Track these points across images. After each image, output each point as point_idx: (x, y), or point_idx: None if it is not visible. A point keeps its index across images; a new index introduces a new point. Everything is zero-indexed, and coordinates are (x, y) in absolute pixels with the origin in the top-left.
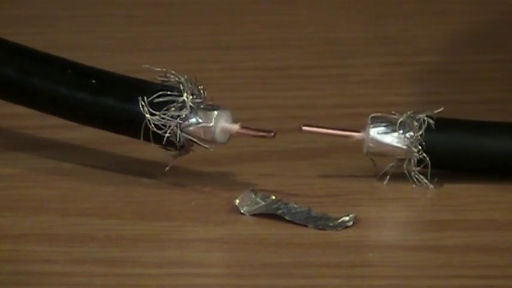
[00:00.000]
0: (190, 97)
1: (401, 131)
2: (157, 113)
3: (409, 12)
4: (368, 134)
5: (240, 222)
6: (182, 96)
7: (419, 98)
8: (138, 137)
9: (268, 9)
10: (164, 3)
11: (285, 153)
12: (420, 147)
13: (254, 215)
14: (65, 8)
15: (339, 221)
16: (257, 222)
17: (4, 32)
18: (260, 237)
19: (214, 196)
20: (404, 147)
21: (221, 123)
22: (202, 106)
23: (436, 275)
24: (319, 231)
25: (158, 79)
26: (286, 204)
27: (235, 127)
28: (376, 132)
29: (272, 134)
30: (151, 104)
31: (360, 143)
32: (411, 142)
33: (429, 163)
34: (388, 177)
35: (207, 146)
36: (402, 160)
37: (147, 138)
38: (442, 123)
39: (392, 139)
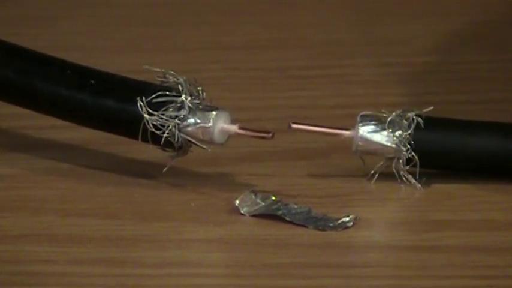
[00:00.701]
0: (189, 98)
1: (390, 130)
2: (155, 113)
3: (408, 13)
4: (357, 132)
5: (240, 222)
6: (181, 96)
7: (418, 98)
8: (136, 138)
9: (268, 10)
10: (164, 3)
11: (285, 154)
12: (409, 146)
13: (254, 215)
14: (65, 9)
15: (339, 221)
16: (257, 223)
17: (4, 32)
18: (260, 237)
19: (214, 197)
20: (393, 146)
21: (220, 123)
22: (200, 107)
23: (436, 275)
24: (319, 232)
25: (157, 80)
26: (286, 204)
27: (234, 128)
28: (365, 131)
29: (270, 135)
30: (150, 105)
31: (350, 141)
32: (400, 141)
33: (418, 162)
34: (377, 176)
35: (205, 146)
36: (392, 159)
37: (145, 139)
38: (431, 122)
39: (381, 138)
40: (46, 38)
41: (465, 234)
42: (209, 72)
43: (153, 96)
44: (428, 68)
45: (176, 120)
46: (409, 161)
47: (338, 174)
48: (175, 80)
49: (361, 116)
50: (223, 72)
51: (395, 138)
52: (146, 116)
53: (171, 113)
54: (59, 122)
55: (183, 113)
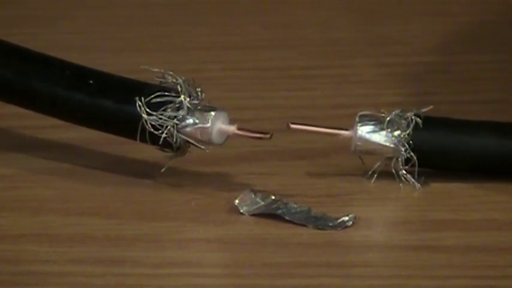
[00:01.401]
0: (188, 98)
1: (389, 130)
2: (154, 113)
3: (408, 13)
4: (356, 132)
5: (240, 222)
6: (179, 97)
7: (418, 98)
8: (135, 138)
9: (268, 9)
10: (163, 3)
11: (285, 153)
12: (407, 146)
13: (254, 215)
14: (65, 9)
15: (339, 221)
16: (257, 222)
17: (4, 32)
18: (260, 237)
19: (213, 196)
20: (392, 145)
21: (218, 124)
22: (199, 107)
23: (436, 275)
24: (319, 231)
25: (156, 80)
26: (285, 204)
27: (232, 128)
28: (364, 131)
29: (268, 135)
30: (149, 105)
31: (349, 141)
32: (399, 141)
33: (416, 162)
34: (375, 175)
35: (203, 147)
36: (390, 159)
37: (143, 139)
38: (429, 122)
39: (380, 138)
40: (46, 37)
41: (465, 234)
42: (208, 72)
43: (152, 96)
44: (428, 68)
45: (175, 120)
46: (407, 160)
47: (337, 174)
48: (174, 80)
49: (360, 116)
50: (222, 72)
51: (394, 138)
52: (145, 116)
53: (170, 113)
54: (59, 122)
55: (181, 113)
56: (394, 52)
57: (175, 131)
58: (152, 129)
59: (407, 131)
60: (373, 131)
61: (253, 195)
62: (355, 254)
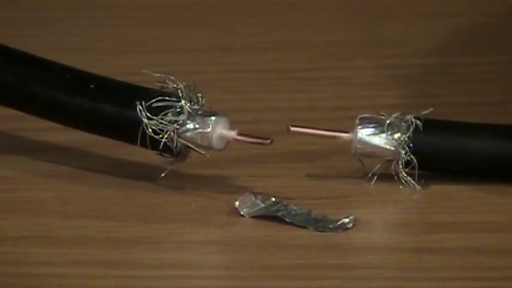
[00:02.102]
0: (188, 103)
1: (389, 133)
2: (154, 117)
3: (408, 15)
4: (356, 135)
5: (240, 224)
6: (180, 101)
7: (418, 100)
8: (135, 143)
9: (268, 11)
10: (164, 5)
11: (285, 156)
12: (408, 149)
13: (254, 217)
14: (65, 10)
15: (339, 223)
16: (257, 224)
17: (4, 34)
18: (260, 239)
19: (214, 198)
20: (392, 148)
21: (218, 129)
22: (200, 112)
23: (436, 277)
24: (319, 233)
25: (157, 85)
26: (286, 206)
27: (232, 134)
28: (364, 134)
29: (269, 141)
30: (149, 109)
31: (349, 143)
32: (399, 143)
33: (416, 164)
34: (376, 178)
35: (203, 152)
36: (391, 161)
37: (144, 144)
38: (429, 125)
39: (380, 140)
40: (46, 39)
41: (465, 236)
42: (208, 73)
43: (153, 101)
44: (428, 70)
45: (175, 125)
46: (407, 163)
47: (337, 176)
48: (175, 85)
49: (360, 118)
50: (222, 74)
51: (394, 140)
52: (145, 120)
53: (170, 117)
54: (59, 124)
55: (182, 118)
56: (394, 54)
57: (175, 136)
58: (153, 134)
59: (408, 134)
60: (373, 134)
61: (253, 197)
62: (355, 256)
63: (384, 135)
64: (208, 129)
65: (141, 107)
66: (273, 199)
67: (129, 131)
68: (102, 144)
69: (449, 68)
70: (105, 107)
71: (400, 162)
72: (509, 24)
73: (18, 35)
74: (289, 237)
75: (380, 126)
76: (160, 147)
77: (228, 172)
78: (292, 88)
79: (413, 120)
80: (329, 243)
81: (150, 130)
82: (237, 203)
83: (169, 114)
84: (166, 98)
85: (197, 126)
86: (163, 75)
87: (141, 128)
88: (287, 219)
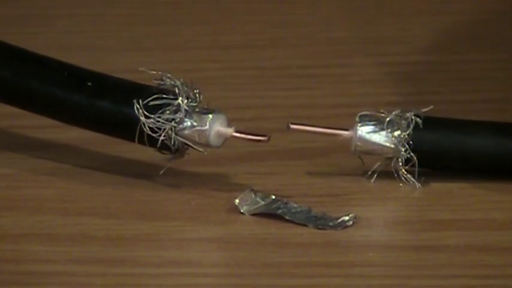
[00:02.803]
0: (186, 100)
1: (389, 130)
2: (152, 115)
3: (408, 12)
4: (356, 132)
5: (240, 221)
6: (177, 99)
7: (418, 97)
8: (133, 140)
9: (268, 8)
10: (164, 2)
11: (285, 153)
12: (407, 146)
13: (254, 214)
14: (65, 8)
15: (339, 220)
16: (257, 222)
17: (4, 31)
18: (260, 236)
19: (213, 196)
20: (392, 146)
21: (216, 126)
22: (197, 110)
23: (436, 275)
24: (319, 231)
25: (154, 82)
26: (286, 203)
27: (230, 131)
28: (364, 131)
29: (266, 138)
30: (147, 107)
31: (349, 141)
32: (399, 141)
33: (416, 162)
34: (376, 175)
35: (201, 149)
36: (391, 159)
37: (142, 141)
38: (429, 122)
39: (380, 138)
40: (46, 36)
41: (465, 234)
42: (209, 71)
43: (150, 99)
44: (427, 67)
45: (172, 123)
46: (407, 161)
47: (337, 173)
48: (172, 82)
49: (360, 116)
50: (222, 71)
51: (394, 138)
52: (142, 118)
53: (168, 115)
54: (59, 122)
55: (179, 115)
56: (394, 51)
57: (173, 134)
58: (150, 132)
59: (408, 131)
60: (373, 131)
61: (253, 195)
62: (355, 254)
63: (383, 132)
64: (206, 127)
65: (138, 105)
66: (273, 197)
67: (126, 128)
68: (102, 141)
69: (449, 65)
70: (103, 104)
71: (400, 159)
72: (509, 22)
73: (18, 32)
74: (289, 235)
75: (380, 124)
76: (158, 145)
77: (228, 170)
78: (292, 85)
79: (413, 117)
80: (329, 241)
81: (147, 128)
82: (237, 200)
83: (167, 112)
84: (164, 95)
85: (195, 123)
86: (160, 72)
87: (138, 126)
88: (287, 217)
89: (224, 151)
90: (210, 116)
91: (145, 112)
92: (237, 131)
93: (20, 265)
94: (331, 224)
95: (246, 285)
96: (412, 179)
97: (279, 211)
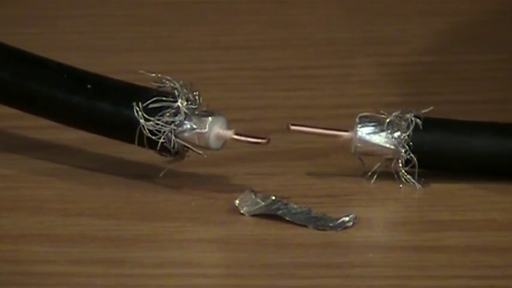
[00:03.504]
0: (185, 103)
1: (389, 131)
2: (151, 118)
3: (408, 12)
4: (356, 133)
5: (240, 222)
6: (177, 102)
7: (418, 98)
8: (132, 142)
9: (268, 9)
10: (164, 3)
11: (285, 154)
12: (408, 148)
13: (254, 215)
14: (65, 8)
15: (339, 221)
16: (257, 223)
17: (4, 32)
18: (260, 237)
19: (214, 197)
20: (392, 147)
21: (215, 129)
22: (196, 112)
23: (436, 275)
24: (319, 232)
25: (153, 84)
26: (286, 204)
27: (230, 133)
28: (364, 132)
29: (266, 140)
30: (146, 110)
31: (349, 142)
32: (399, 142)
33: (416, 163)
34: (376, 176)
35: (201, 152)
36: (391, 160)
37: (141, 144)
38: (429, 123)
39: (380, 139)
40: (46, 37)
41: (465, 234)
42: (209, 72)
43: (149, 101)
44: (427, 68)
45: (172, 126)
46: (407, 161)
47: (338, 174)
48: (172, 84)
49: (360, 117)
50: (222, 72)
51: (394, 139)
52: (142, 121)
53: (167, 118)
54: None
55: (179, 118)
56: (394, 52)
57: (172, 136)
58: (150, 135)
59: (408, 133)
60: (373, 133)
61: (253, 196)
62: (355, 255)
63: (383, 133)
64: (206, 130)
65: (137, 108)
66: (273, 197)
67: (126, 130)
68: (102, 142)
69: (450, 66)
70: (103, 106)
71: (400, 160)
72: (509, 22)
73: (18, 33)
74: (289, 236)
75: (380, 125)
76: (158, 148)
77: (228, 170)
78: (292, 86)
79: (413, 118)
80: (329, 241)
81: (147, 131)
82: (237, 201)
83: (166, 115)
84: (163, 98)
85: (194, 126)
86: (159, 75)
87: (138, 128)
88: (287, 218)
89: (224, 152)
90: (210, 118)
91: (145, 115)
92: (236, 134)
93: (19, 266)
94: (331, 224)
95: (246, 285)
96: (412, 179)
97: (279, 212)
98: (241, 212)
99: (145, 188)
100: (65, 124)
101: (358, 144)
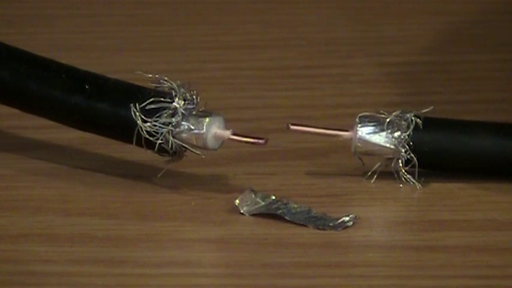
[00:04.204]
0: (182, 103)
1: (389, 131)
2: (149, 119)
3: (408, 12)
4: (356, 133)
5: (240, 222)
6: (174, 102)
7: (418, 97)
8: (131, 143)
9: (268, 8)
10: (164, 2)
11: (285, 153)
12: (408, 147)
13: (254, 215)
14: (65, 8)
15: (339, 221)
16: (257, 222)
17: (4, 31)
18: (260, 237)
19: (213, 196)
20: (392, 147)
21: (213, 129)
22: (194, 112)
23: (436, 275)
24: (319, 231)
25: (151, 85)
26: (286, 204)
27: (227, 133)
28: (364, 132)
29: (263, 141)
30: (144, 111)
31: (349, 142)
32: (399, 142)
33: (416, 163)
34: (376, 176)
35: (199, 152)
36: (391, 159)
37: (139, 144)
38: (429, 123)
39: (380, 139)
40: (45, 37)
41: (465, 234)
42: (209, 71)
43: (146, 102)
44: (427, 68)
45: (169, 126)
46: (408, 161)
47: (338, 174)
48: (169, 84)
49: (360, 117)
50: (222, 72)
51: (394, 139)
52: (140, 122)
53: (165, 119)
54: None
55: (176, 119)
56: (394, 52)
57: (170, 137)
58: (147, 136)
59: (408, 132)
60: (373, 132)
61: (253, 195)
62: (355, 254)
63: (384, 133)
64: (203, 130)
65: (135, 109)
66: (273, 197)
67: (124, 131)
68: (102, 142)
69: (449, 65)
70: (101, 106)
71: (400, 160)
72: (509, 22)
73: (18, 33)
74: (289, 236)
75: (380, 125)
76: (156, 148)
77: (228, 170)
78: (292, 86)
79: (413, 118)
80: (329, 241)
81: (144, 132)
82: (237, 201)
83: (164, 116)
84: (161, 99)
85: (192, 127)
86: (156, 76)
87: (136, 129)
88: (287, 217)
89: (224, 151)
90: (207, 119)
91: (143, 116)
92: (234, 134)
93: (19, 265)
94: (331, 224)
95: (246, 285)
96: (412, 179)
97: (279, 211)
98: (241, 211)
99: (145, 188)
100: (63, 124)
101: (358, 144)
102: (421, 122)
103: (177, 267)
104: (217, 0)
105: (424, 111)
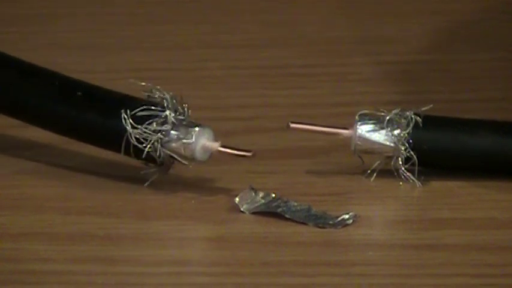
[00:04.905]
0: (173, 113)
1: (389, 129)
2: (139, 126)
3: (407, 11)
4: (356, 131)
5: (240, 220)
6: (165, 111)
7: (417, 96)
8: (119, 151)
9: (268, 7)
10: (164, 2)
11: (285, 152)
12: (407, 145)
13: (254, 213)
14: (65, 7)
15: (339, 219)
16: (257, 221)
17: (4, 30)
18: (260, 235)
19: (213, 194)
20: (392, 145)
21: (202, 140)
22: (184, 123)
23: (436, 274)
24: (319, 230)
25: (143, 94)
26: (286, 202)
27: (215, 145)
28: (364, 130)
29: (251, 154)
30: (134, 118)
31: (349, 140)
32: (398, 140)
33: (416, 161)
34: (376, 174)
35: (186, 162)
36: (390, 158)
37: (128, 153)
38: (429, 121)
39: (379, 137)
40: (46, 36)
41: (465, 233)
42: (209, 70)
43: (137, 109)
44: (427, 67)
45: (159, 134)
46: (407, 159)
47: (338, 172)
48: (161, 95)
49: (360, 115)
50: (222, 70)
51: (393, 137)
52: (129, 128)
53: (155, 127)
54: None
55: (166, 127)
56: (394, 51)
57: (159, 145)
58: (136, 143)
59: (407, 130)
60: (373, 130)
61: (253, 194)
62: (355, 253)
63: (383, 131)
64: (192, 140)
65: (125, 116)
66: (273, 195)
67: (113, 139)
68: None
69: (449, 64)
70: (91, 115)
71: (400, 158)
72: (508, 22)
73: (18, 32)
74: (289, 234)
75: (380, 123)
76: (144, 155)
77: (228, 168)
78: (291, 84)
79: (413, 116)
80: (329, 239)
81: (133, 139)
82: (237, 199)
83: (154, 124)
84: (152, 107)
85: (181, 136)
86: (149, 84)
87: (125, 136)
88: (287, 216)
89: None
90: (196, 129)
91: (132, 123)
92: (222, 146)
93: (19, 264)
94: (331, 222)
95: (246, 283)
96: (412, 177)
97: (279, 210)
98: (241, 209)
99: (146, 187)
100: (54, 132)
101: (358, 142)
102: (420, 120)
103: (177, 266)
104: None
105: (424, 109)
